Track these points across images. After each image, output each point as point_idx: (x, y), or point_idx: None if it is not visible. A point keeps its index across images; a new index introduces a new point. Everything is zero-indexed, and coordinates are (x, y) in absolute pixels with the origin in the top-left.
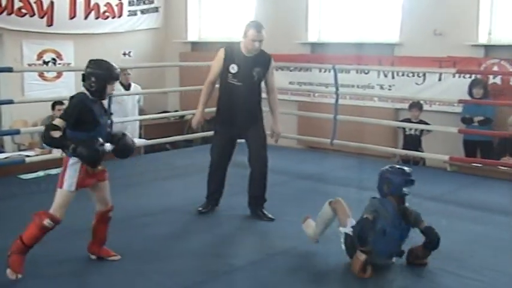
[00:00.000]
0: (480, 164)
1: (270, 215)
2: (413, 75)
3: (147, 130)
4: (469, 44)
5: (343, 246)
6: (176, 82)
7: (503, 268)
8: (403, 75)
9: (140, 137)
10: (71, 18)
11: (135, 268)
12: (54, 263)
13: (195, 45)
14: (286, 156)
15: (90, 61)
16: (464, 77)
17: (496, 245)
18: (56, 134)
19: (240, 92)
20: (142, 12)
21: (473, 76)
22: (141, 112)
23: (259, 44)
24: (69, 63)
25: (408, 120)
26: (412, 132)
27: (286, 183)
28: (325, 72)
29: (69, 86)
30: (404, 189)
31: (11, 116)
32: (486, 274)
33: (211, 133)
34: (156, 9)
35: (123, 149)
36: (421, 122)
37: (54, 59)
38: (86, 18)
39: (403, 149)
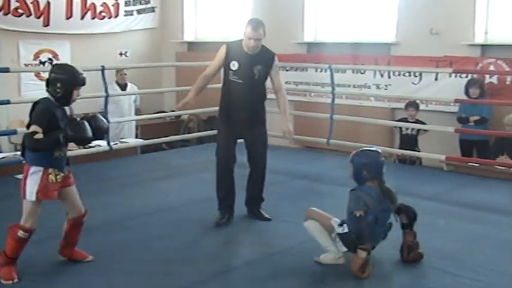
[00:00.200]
0: (477, 163)
1: (267, 215)
2: (409, 75)
3: (143, 130)
4: (466, 44)
5: (343, 248)
6: (172, 82)
7: (501, 268)
8: (399, 74)
9: (137, 137)
10: (68, 18)
11: (132, 269)
12: (52, 263)
13: (191, 45)
14: (282, 155)
15: (54, 65)
16: (460, 76)
17: (494, 245)
18: (40, 135)
19: (241, 90)
20: (139, 12)
21: (469, 76)
22: (138, 112)
23: (254, 42)
24: None
25: (405, 120)
26: (409, 131)
27: (282, 183)
28: (321, 71)
29: None
30: (383, 169)
31: (8, 116)
32: (484, 274)
33: (207, 133)
34: (152, 9)
35: (97, 128)
36: (417, 121)
37: (50, 59)
38: (82, 18)
39: (400, 148)
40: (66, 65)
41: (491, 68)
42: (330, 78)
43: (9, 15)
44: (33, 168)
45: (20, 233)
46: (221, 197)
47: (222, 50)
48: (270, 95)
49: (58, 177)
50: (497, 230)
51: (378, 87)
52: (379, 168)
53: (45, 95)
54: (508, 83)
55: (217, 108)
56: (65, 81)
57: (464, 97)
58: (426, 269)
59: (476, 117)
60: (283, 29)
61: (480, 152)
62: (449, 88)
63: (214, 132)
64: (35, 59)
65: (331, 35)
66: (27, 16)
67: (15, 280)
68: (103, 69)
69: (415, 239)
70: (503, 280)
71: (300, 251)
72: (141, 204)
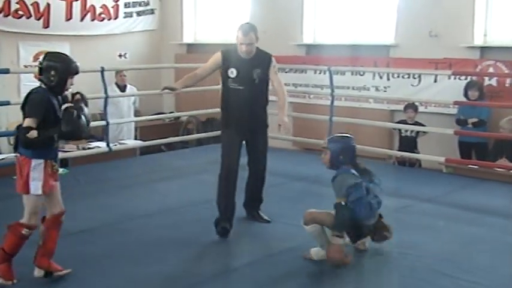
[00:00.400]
0: (476, 165)
1: (266, 217)
2: (408, 77)
3: (142, 131)
4: (465, 46)
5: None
6: (172, 84)
7: (499, 270)
8: (398, 76)
9: (136, 139)
10: (67, 20)
11: (132, 270)
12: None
13: (190, 47)
14: (281, 157)
15: (47, 54)
16: (459, 78)
17: (492, 247)
18: (34, 133)
19: (242, 96)
20: (138, 14)
21: (468, 78)
22: (137, 113)
23: (246, 47)
24: None
25: (404, 122)
26: (408, 133)
27: (281, 184)
28: (320, 73)
29: None
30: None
31: (8, 117)
32: (482, 276)
33: (206, 135)
34: (151, 11)
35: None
36: (416, 123)
37: None
38: (82, 20)
39: (399, 150)
40: (59, 53)
41: (491, 70)
42: (329, 80)
43: (9, 17)
44: (34, 162)
45: (24, 231)
46: (221, 210)
47: (218, 57)
48: (270, 97)
49: (54, 168)
50: (495, 232)
51: (377, 89)
52: (354, 151)
53: None
54: (507, 85)
55: (216, 109)
56: (59, 69)
57: (464, 99)
58: (425, 271)
59: (475, 119)
60: (282, 31)
61: (479, 154)
62: (448, 90)
63: (214, 133)
64: (34, 61)
65: (330, 37)
66: (27, 18)
67: (14, 281)
68: (102, 70)
69: (379, 218)
70: (501, 282)
71: (299, 253)
72: (140, 206)
